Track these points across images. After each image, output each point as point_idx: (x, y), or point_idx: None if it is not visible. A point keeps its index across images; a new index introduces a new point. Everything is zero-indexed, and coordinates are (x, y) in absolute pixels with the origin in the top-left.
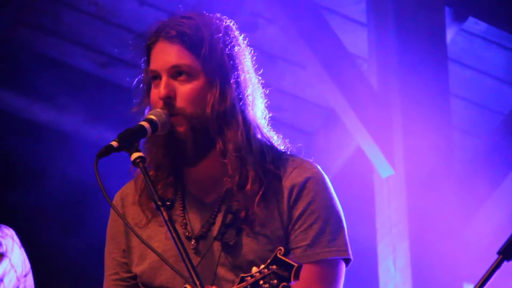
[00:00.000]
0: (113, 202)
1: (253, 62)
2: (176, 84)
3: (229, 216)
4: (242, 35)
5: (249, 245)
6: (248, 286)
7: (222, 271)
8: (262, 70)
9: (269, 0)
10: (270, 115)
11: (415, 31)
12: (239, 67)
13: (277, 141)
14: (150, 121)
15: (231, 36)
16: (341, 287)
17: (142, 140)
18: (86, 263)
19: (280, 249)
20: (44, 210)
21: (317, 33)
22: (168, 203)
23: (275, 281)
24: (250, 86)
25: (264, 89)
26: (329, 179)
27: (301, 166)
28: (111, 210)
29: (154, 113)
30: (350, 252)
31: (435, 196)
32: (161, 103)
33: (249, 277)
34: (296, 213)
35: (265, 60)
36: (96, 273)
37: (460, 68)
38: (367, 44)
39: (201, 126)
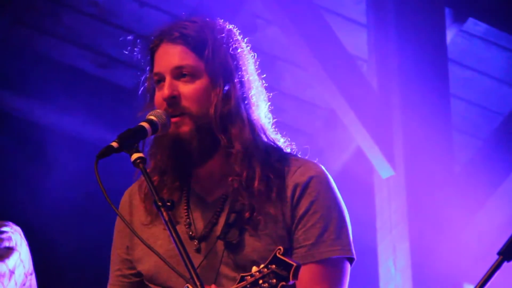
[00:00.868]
0: (122, 200)
1: (256, 66)
2: (179, 84)
3: (232, 216)
4: (245, 39)
5: (252, 245)
6: (248, 286)
7: (225, 270)
8: (262, 71)
9: (269, 1)
10: (271, 116)
11: (415, 32)
12: (243, 68)
13: (283, 143)
14: (150, 121)
15: (234, 38)
16: (346, 286)
17: (146, 146)
18: (86, 263)
19: (280, 249)
20: (44, 210)
21: (317, 34)
22: (168, 203)
23: (274, 280)
24: (254, 87)
25: (267, 93)
26: None
27: (305, 165)
28: (120, 204)
29: (154, 114)
30: (353, 251)
31: (435, 197)
32: (165, 104)
33: (249, 277)
34: (299, 212)
35: (265, 61)
36: (97, 273)
37: (460, 69)
38: (367, 45)
39: (205, 126)
